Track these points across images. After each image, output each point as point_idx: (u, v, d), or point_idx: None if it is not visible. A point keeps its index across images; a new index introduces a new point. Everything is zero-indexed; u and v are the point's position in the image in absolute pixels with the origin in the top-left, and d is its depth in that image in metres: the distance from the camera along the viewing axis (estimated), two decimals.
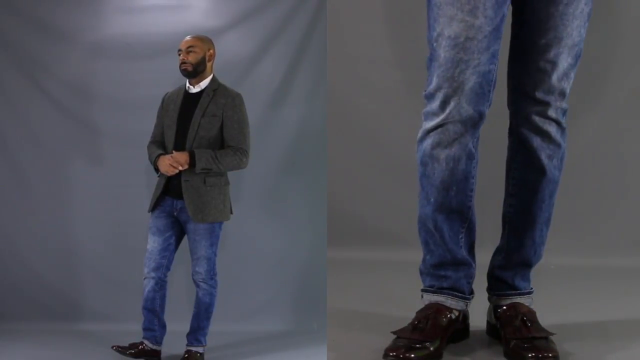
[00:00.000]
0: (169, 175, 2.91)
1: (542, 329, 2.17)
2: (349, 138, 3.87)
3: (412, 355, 2.05)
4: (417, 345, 2.08)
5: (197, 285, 2.99)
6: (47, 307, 3.66)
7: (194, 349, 3.00)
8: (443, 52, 2.05)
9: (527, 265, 2.30)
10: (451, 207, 2.17)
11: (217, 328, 3.32)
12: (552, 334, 2.16)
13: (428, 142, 2.13)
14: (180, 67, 2.95)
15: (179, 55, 2.95)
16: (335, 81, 3.77)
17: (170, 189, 2.95)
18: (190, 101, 2.97)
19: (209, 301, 3.00)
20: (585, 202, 3.68)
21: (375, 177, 3.81)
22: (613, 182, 3.70)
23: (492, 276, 2.34)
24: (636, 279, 3.24)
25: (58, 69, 3.72)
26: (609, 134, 3.69)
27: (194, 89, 2.98)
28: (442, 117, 2.08)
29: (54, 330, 3.49)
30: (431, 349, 2.09)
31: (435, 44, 2.09)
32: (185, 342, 3.02)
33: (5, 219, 3.75)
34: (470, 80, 2.05)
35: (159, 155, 2.95)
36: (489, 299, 2.36)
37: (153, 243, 2.96)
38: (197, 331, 3.01)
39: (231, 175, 3.62)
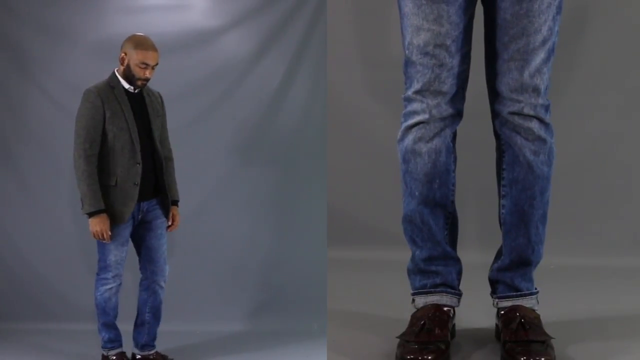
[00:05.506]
0: (94, 236, 2.73)
1: (541, 332, 2.13)
2: (348, 138, 3.87)
3: (430, 357, 2.05)
4: (431, 347, 2.09)
5: (155, 291, 2.87)
6: (47, 307, 3.65)
7: (157, 350, 2.95)
8: (417, 59, 2.16)
9: (526, 264, 2.25)
10: (435, 200, 2.23)
11: (217, 328, 3.32)
12: (551, 337, 2.12)
13: (410, 137, 2.22)
14: (139, 82, 2.77)
15: (145, 68, 2.75)
16: (335, 81, 3.77)
17: (141, 194, 2.79)
18: (136, 101, 2.82)
19: (161, 303, 2.92)
20: (585, 202, 3.68)
21: (375, 177, 3.80)
22: (613, 182, 3.69)
23: (492, 279, 2.33)
24: (636, 279, 3.24)
25: (58, 69, 3.72)
26: (609, 134, 3.69)
27: (133, 89, 2.82)
28: (424, 116, 2.18)
29: (53, 330, 3.49)
30: (443, 347, 2.10)
31: (407, 51, 2.19)
32: (141, 348, 2.93)
33: (5, 219, 3.74)
34: (447, 83, 2.15)
35: (104, 211, 2.72)
36: (493, 303, 2.34)
37: (121, 254, 2.78)
38: (155, 336, 2.94)
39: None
